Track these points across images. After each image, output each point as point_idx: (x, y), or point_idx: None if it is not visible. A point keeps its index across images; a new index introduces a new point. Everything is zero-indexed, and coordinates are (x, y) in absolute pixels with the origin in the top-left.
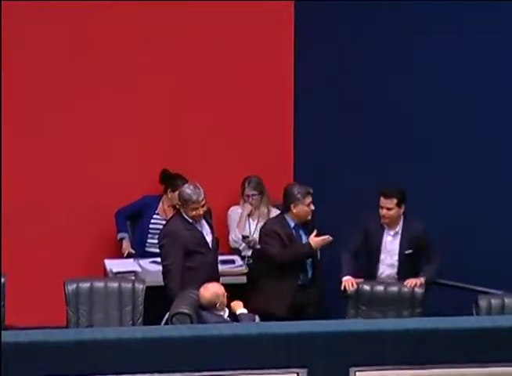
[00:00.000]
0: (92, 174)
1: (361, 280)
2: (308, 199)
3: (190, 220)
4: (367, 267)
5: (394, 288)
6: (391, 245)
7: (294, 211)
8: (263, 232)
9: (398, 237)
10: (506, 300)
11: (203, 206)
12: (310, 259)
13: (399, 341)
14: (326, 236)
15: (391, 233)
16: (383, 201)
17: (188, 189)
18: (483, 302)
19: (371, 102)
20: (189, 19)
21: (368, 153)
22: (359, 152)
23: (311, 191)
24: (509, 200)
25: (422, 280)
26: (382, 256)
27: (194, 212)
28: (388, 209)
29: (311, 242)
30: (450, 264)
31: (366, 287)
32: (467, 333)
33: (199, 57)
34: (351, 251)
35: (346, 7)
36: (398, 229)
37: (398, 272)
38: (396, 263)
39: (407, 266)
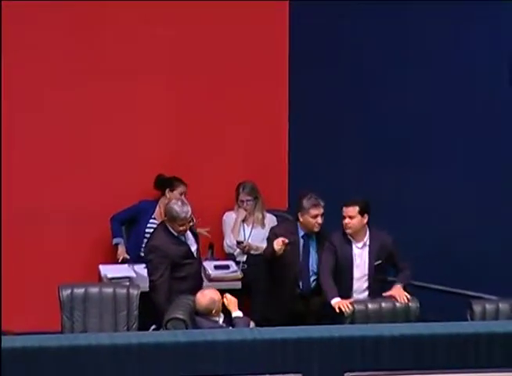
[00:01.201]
0: (89, 179)
1: (351, 299)
2: (315, 211)
3: (176, 233)
4: (340, 284)
5: (389, 305)
6: (360, 258)
7: (301, 219)
8: (269, 233)
9: (366, 249)
10: (501, 305)
11: (189, 222)
12: (314, 269)
13: (395, 346)
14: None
15: (359, 245)
16: (345, 210)
17: (176, 205)
18: (477, 307)
19: (367, 104)
20: (185, 21)
21: (363, 159)
22: (354, 158)
23: (322, 204)
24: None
25: (402, 292)
26: (354, 270)
27: (181, 228)
28: (350, 217)
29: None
30: (443, 268)
31: (361, 307)
32: (463, 338)
33: (194, 59)
34: (329, 272)
35: (340, 7)
36: (366, 240)
37: (369, 285)
38: (367, 276)
39: (377, 278)
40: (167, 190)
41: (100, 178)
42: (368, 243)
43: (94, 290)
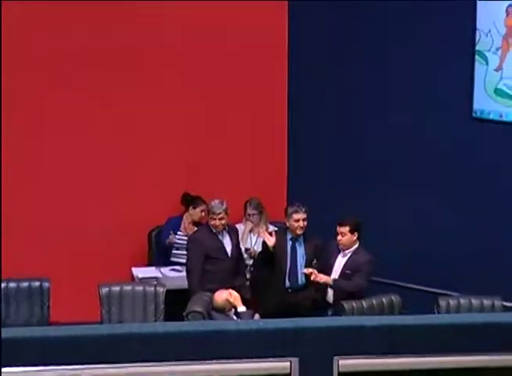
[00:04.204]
0: (122, 199)
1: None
2: (296, 216)
3: (214, 230)
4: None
5: (378, 301)
6: (338, 265)
7: (287, 224)
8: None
9: (346, 258)
10: (462, 300)
11: (220, 219)
12: (302, 265)
13: (376, 334)
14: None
15: (341, 254)
16: (338, 229)
17: (214, 202)
18: (443, 302)
19: (366, 110)
20: (185, 25)
21: (354, 178)
22: (350, 175)
23: (303, 210)
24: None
25: (329, 279)
26: (332, 273)
27: (212, 221)
28: (342, 234)
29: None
30: (414, 269)
31: (348, 305)
32: (439, 328)
33: (193, 65)
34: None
35: (339, 7)
36: (351, 250)
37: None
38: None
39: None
40: (190, 207)
41: (131, 198)
42: (349, 255)
43: (127, 288)
